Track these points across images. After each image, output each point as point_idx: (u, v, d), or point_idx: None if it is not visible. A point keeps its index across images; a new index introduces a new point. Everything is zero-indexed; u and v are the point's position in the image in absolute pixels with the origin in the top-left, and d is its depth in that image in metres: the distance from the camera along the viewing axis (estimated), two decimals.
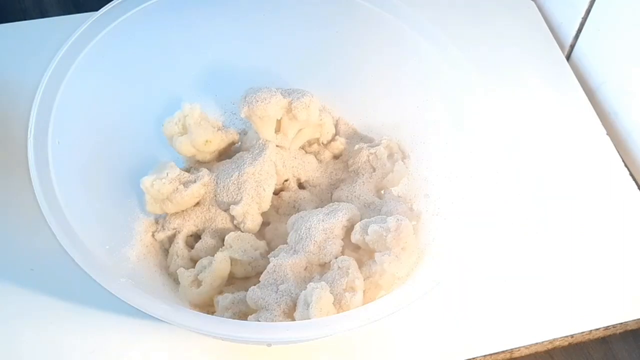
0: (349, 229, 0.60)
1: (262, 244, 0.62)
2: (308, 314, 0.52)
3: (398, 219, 0.57)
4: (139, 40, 0.63)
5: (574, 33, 0.80)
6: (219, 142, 0.65)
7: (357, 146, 0.67)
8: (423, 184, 0.63)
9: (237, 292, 0.58)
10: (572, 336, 0.62)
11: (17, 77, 0.72)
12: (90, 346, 0.58)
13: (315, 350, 0.59)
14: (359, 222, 0.59)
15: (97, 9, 0.61)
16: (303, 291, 0.54)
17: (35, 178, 0.53)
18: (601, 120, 0.75)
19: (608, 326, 0.62)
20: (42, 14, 0.82)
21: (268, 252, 0.60)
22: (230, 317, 0.56)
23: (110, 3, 0.61)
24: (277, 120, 0.65)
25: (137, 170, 0.62)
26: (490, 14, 0.82)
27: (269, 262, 0.58)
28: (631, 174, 0.71)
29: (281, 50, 0.68)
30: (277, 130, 0.65)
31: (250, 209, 0.62)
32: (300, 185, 0.67)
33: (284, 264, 0.57)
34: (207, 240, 0.62)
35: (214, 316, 0.56)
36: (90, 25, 0.60)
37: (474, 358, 0.60)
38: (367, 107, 0.69)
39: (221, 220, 0.62)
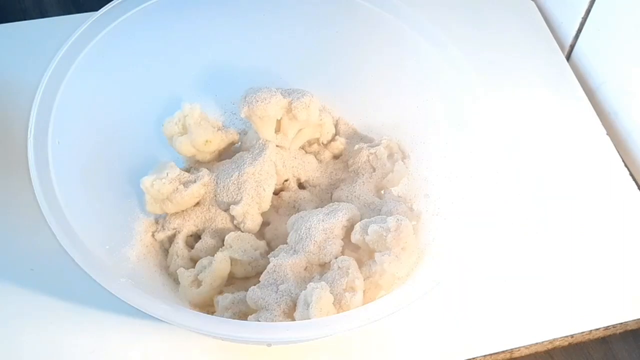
0: (349, 229, 0.60)
1: (262, 244, 0.62)
2: (308, 314, 0.52)
3: (398, 219, 0.57)
4: (139, 40, 0.63)
5: (574, 33, 0.80)
6: (219, 142, 0.65)
7: (357, 146, 0.67)
8: (423, 184, 0.63)
9: (237, 292, 0.58)
10: (572, 336, 0.62)
11: (17, 77, 0.72)
12: (90, 346, 0.58)
13: (315, 350, 0.59)
14: (359, 222, 0.59)
15: (97, 9, 0.61)
16: (303, 291, 0.54)
17: (35, 178, 0.53)
18: (601, 120, 0.75)
19: (608, 326, 0.62)
20: (42, 14, 0.82)
21: (268, 252, 0.60)
22: (230, 317, 0.56)
23: (110, 3, 0.61)
24: (277, 120, 0.65)
25: (137, 170, 0.62)
26: (490, 14, 0.82)
27: (269, 262, 0.58)
28: (631, 174, 0.71)
29: (281, 50, 0.68)
30: (277, 130, 0.65)
31: (250, 209, 0.62)
32: (300, 185, 0.67)
33: (284, 264, 0.57)
34: (207, 240, 0.62)
35: (214, 316, 0.56)
36: (90, 25, 0.60)
37: (474, 358, 0.60)
38: (367, 107, 0.69)
39: (221, 220, 0.62)
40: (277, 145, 0.65)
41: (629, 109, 0.74)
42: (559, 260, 0.65)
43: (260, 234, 0.63)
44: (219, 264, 0.58)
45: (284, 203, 0.65)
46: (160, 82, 0.65)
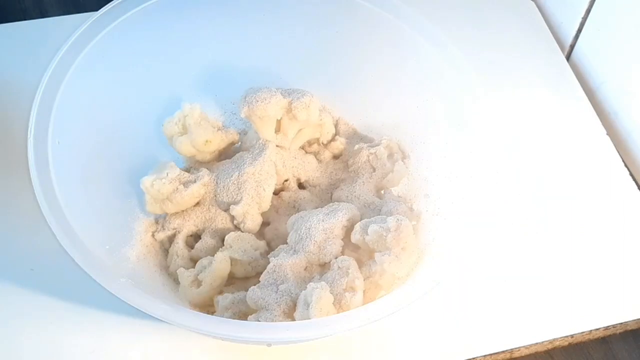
0: (349, 229, 0.60)
1: (262, 244, 0.62)
2: (308, 314, 0.52)
3: (398, 219, 0.57)
4: (139, 40, 0.63)
5: (574, 33, 0.80)
6: (219, 142, 0.65)
7: (357, 146, 0.67)
8: (423, 184, 0.63)
9: (237, 292, 0.58)
10: (572, 336, 0.62)
11: (17, 77, 0.72)
12: (90, 346, 0.58)
13: (315, 350, 0.59)
14: (359, 222, 0.59)
15: (97, 9, 0.61)
16: (303, 291, 0.54)
17: (35, 178, 0.53)
18: (601, 120, 0.75)
19: (608, 326, 0.62)
20: (42, 14, 0.82)
21: (268, 252, 0.60)
22: (230, 317, 0.56)
23: (110, 3, 0.61)
24: (277, 120, 0.65)
25: (137, 170, 0.62)
26: (490, 14, 0.82)
27: (269, 262, 0.58)
28: (631, 174, 0.71)
29: (281, 50, 0.68)
30: (277, 130, 0.65)
31: (250, 209, 0.62)
32: (300, 185, 0.67)
33: (284, 264, 0.57)
34: (207, 240, 0.62)
35: (214, 316, 0.56)
36: (90, 25, 0.60)
37: (474, 358, 0.60)
38: (367, 107, 0.69)
39: (221, 220, 0.62)
40: (277, 145, 0.65)
41: (629, 109, 0.74)
42: (559, 260, 0.65)
43: (260, 234, 0.63)
44: (219, 264, 0.58)
45: (284, 203, 0.65)
46: (160, 82, 0.65)
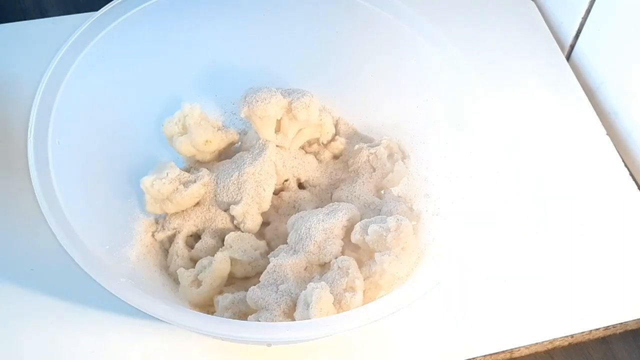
0: (349, 229, 0.60)
1: (262, 244, 0.62)
2: (308, 314, 0.52)
3: (398, 219, 0.57)
4: (139, 40, 0.63)
5: (574, 33, 0.80)
6: (219, 142, 0.65)
7: (357, 146, 0.67)
8: (423, 184, 0.63)
9: (237, 292, 0.58)
10: (572, 336, 0.62)
11: (17, 77, 0.72)
12: (90, 346, 0.58)
13: (315, 350, 0.59)
14: (359, 222, 0.59)
15: (97, 9, 0.61)
16: (303, 291, 0.54)
17: (35, 178, 0.53)
18: (601, 120, 0.75)
19: (608, 326, 0.62)
20: (42, 14, 0.82)
21: (268, 252, 0.60)
22: (230, 317, 0.56)
23: (110, 3, 0.61)
24: (277, 120, 0.65)
25: (137, 170, 0.62)
26: (490, 14, 0.82)
27: (269, 262, 0.58)
28: (631, 174, 0.71)
29: (281, 50, 0.68)
30: (277, 130, 0.65)
31: (250, 209, 0.62)
32: (300, 185, 0.67)
33: (284, 264, 0.57)
34: (207, 240, 0.62)
35: (214, 316, 0.56)
36: (90, 25, 0.60)
37: (474, 358, 0.60)
38: (367, 107, 0.69)
39: (221, 220, 0.62)
40: (277, 145, 0.65)
41: (629, 109, 0.74)
42: (559, 260, 0.65)
43: (260, 234, 0.63)
44: (219, 264, 0.58)
45: (284, 203, 0.65)
46: (160, 82, 0.65)
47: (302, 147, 0.68)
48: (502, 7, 0.83)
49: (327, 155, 0.68)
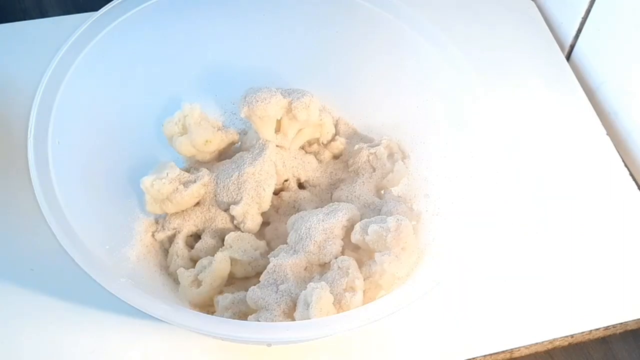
0: (349, 229, 0.60)
1: (262, 244, 0.62)
2: (308, 314, 0.52)
3: (398, 219, 0.57)
4: (138, 41, 0.63)
5: (574, 33, 0.80)
6: (219, 142, 0.65)
7: (357, 146, 0.67)
8: (423, 184, 0.63)
9: (237, 292, 0.58)
10: (572, 336, 0.62)
11: (17, 77, 0.72)
12: (90, 346, 0.58)
13: (315, 350, 0.59)
14: (359, 222, 0.59)
15: (97, 9, 0.61)
16: (303, 291, 0.54)
17: (35, 178, 0.53)
18: (601, 120, 0.75)
19: (608, 326, 0.62)
20: (42, 14, 0.82)
21: (268, 252, 0.60)
22: (230, 317, 0.56)
23: (110, 3, 0.61)
24: (277, 120, 0.65)
25: (137, 170, 0.62)
26: (490, 14, 0.82)
27: (269, 262, 0.58)
28: (631, 174, 0.71)
29: (281, 50, 0.68)
30: (277, 130, 0.65)
31: (250, 209, 0.62)
32: (300, 185, 0.67)
33: (284, 264, 0.57)
34: (207, 240, 0.62)
35: (214, 316, 0.56)
36: (90, 25, 0.60)
37: (474, 358, 0.60)
38: (367, 107, 0.69)
39: (221, 220, 0.62)
40: (277, 145, 0.65)
41: (629, 109, 0.74)
42: (559, 260, 0.65)
43: (260, 234, 0.63)
44: (219, 264, 0.58)
45: (284, 203, 0.65)
46: (160, 82, 0.65)
47: (302, 147, 0.68)
48: (502, 7, 0.83)
49: (327, 155, 0.68)
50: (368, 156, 0.66)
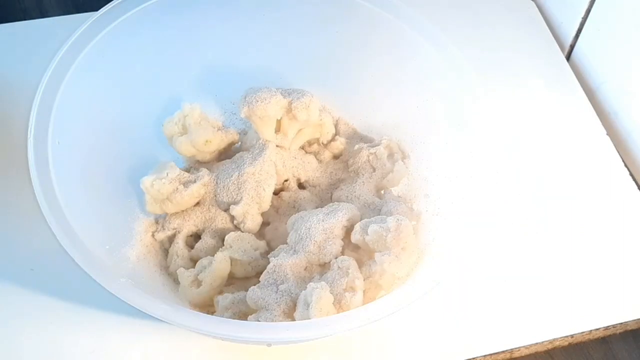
0: (349, 229, 0.60)
1: (262, 244, 0.62)
2: (308, 314, 0.52)
3: (398, 219, 0.57)
4: (138, 40, 0.63)
5: (574, 33, 0.80)
6: (219, 142, 0.65)
7: (357, 146, 0.67)
8: (423, 184, 0.63)
9: (237, 292, 0.58)
10: (572, 336, 0.62)
11: (17, 77, 0.72)
12: (90, 346, 0.58)
13: (315, 350, 0.59)
14: (359, 222, 0.59)
15: (97, 9, 0.61)
16: (303, 291, 0.54)
17: (35, 178, 0.53)
18: (601, 120, 0.75)
19: (608, 326, 0.62)
20: (42, 14, 0.82)
21: (268, 252, 0.60)
22: (230, 317, 0.56)
23: (110, 3, 0.61)
24: (277, 120, 0.65)
25: (137, 170, 0.62)
26: (490, 14, 0.82)
27: (269, 262, 0.58)
28: (631, 174, 0.71)
29: (281, 50, 0.68)
30: (277, 130, 0.65)
31: (250, 209, 0.62)
32: (300, 185, 0.67)
33: (284, 264, 0.57)
34: (207, 240, 0.62)
35: (214, 316, 0.56)
36: (90, 25, 0.60)
37: (474, 358, 0.60)
38: (367, 107, 0.69)
39: (221, 220, 0.62)
40: (277, 145, 0.65)
41: (629, 109, 0.74)
42: (559, 260, 0.65)
43: (260, 234, 0.63)
44: (219, 264, 0.58)
45: (284, 203, 0.65)
46: (160, 82, 0.65)
47: (302, 147, 0.68)
48: (502, 7, 0.83)
49: (327, 155, 0.68)
50: (368, 156, 0.66)
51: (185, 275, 0.58)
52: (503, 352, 0.61)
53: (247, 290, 0.57)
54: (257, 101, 0.62)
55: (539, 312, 0.62)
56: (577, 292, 0.64)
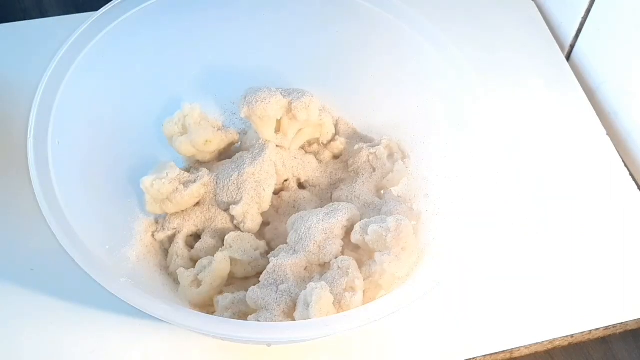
0: (349, 229, 0.60)
1: (262, 244, 0.62)
2: (308, 314, 0.52)
3: (398, 219, 0.57)
4: (138, 40, 0.63)
5: (574, 33, 0.80)
6: (219, 142, 0.65)
7: (357, 146, 0.67)
8: (423, 184, 0.63)
9: (237, 292, 0.58)
10: (572, 336, 0.62)
11: (17, 77, 0.72)
12: (90, 346, 0.58)
13: (315, 350, 0.59)
14: (359, 222, 0.59)
15: (97, 9, 0.61)
16: (303, 291, 0.54)
17: (35, 178, 0.53)
18: (601, 120, 0.75)
19: (608, 326, 0.63)
20: (42, 14, 0.82)
21: (268, 252, 0.60)
22: (230, 317, 0.56)
23: (110, 3, 0.61)
24: (277, 120, 0.65)
25: (137, 170, 0.62)
26: (490, 14, 0.82)
27: (269, 262, 0.58)
28: (631, 174, 0.71)
29: (281, 50, 0.68)
30: (277, 130, 0.65)
31: (250, 209, 0.62)
32: (300, 185, 0.67)
33: (284, 264, 0.57)
34: (207, 240, 0.62)
35: (214, 316, 0.56)
36: (90, 25, 0.60)
37: (474, 358, 0.60)
38: (367, 107, 0.69)
39: (221, 220, 0.62)
40: (277, 145, 0.65)
41: (629, 109, 0.74)
42: (559, 260, 0.65)
43: (260, 234, 0.63)
44: (219, 264, 0.58)
45: (284, 203, 0.65)
46: (160, 82, 0.65)
47: (302, 147, 0.68)
48: (502, 7, 0.83)
49: (327, 155, 0.68)
50: (368, 156, 0.66)
51: (185, 275, 0.58)
52: (503, 352, 0.61)
53: (247, 290, 0.57)
54: (257, 101, 0.62)
55: (539, 312, 0.62)
56: (577, 292, 0.64)
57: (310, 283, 0.54)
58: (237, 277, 0.61)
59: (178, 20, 0.65)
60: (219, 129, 0.65)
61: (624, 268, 0.65)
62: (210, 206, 0.63)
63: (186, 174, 0.62)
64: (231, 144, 0.67)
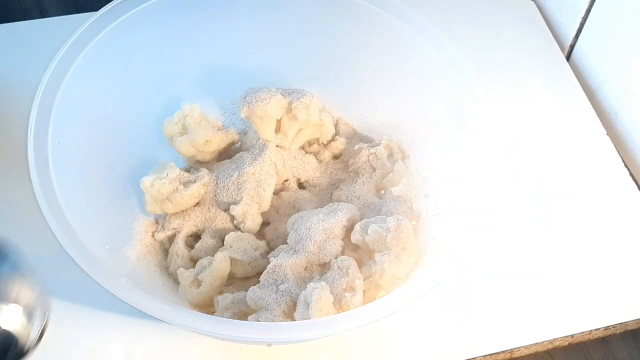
0: (349, 229, 0.60)
1: (262, 244, 0.62)
2: (308, 314, 0.52)
3: (398, 219, 0.57)
4: (138, 40, 0.63)
5: (574, 33, 0.80)
6: (219, 142, 0.65)
7: (357, 146, 0.67)
8: (423, 184, 0.63)
9: (237, 292, 0.58)
10: (572, 336, 0.62)
11: (17, 77, 0.72)
12: (90, 346, 0.58)
13: (315, 350, 0.59)
14: (359, 222, 0.59)
15: (97, 9, 0.61)
16: (303, 291, 0.54)
17: (35, 178, 0.53)
18: (601, 120, 0.75)
19: (608, 326, 0.62)
20: (42, 14, 0.82)
21: (268, 252, 0.60)
22: (230, 317, 0.56)
23: (110, 3, 0.61)
24: (277, 120, 0.65)
25: (137, 170, 0.62)
26: (490, 14, 0.82)
27: (269, 262, 0.58)
28: (631, 174, 0.71)
29: (281, 50, 0.68)
30: (277, 130, 0.65)
31: (250, 209, 0.62)
32: (300, 185, 0.67)
33: (284, 264, 0.57)
34: (207, 240, 0.62)
35: (214, 316, 0.56)
36: (90, 25, 0.60)
37: (474, 358, 0.60)
38: (367, 107, 0.69)
39: (221, 220, 0.62)
40: (277, 145, 0.65)
41: (629, 109, 0.74)
42: (559, 260, 0.65)
43: (260, 234, 0.63)
44: (219, 264, 0.58)
45: (284, 203, 0.65)
46: (160, 82, 0.65)
47: (302, 147, 0.68)
48: (502, 7, 0.83)
49: (327, 155, 0.68)
50: (368, 156, 0.66)
51: (185, 275, 0.58)
52: (503, 352, 0.61)
53: (247, 290, 0.57)
54: (257, 101, 0.62)
55: (539, 312, 0.62)
56: (577, 292, 0.64)
57: (310, 283, 0.54)
58: (237, 277, 0.61)
59: (178, 20, 0.65)
60: (219, 129, 0.65)
61: (624, 268, 0.65)
62: (210, 206, 0.63)
63: (186, 174, 0.62)
64: (231, 144, 0.67)
